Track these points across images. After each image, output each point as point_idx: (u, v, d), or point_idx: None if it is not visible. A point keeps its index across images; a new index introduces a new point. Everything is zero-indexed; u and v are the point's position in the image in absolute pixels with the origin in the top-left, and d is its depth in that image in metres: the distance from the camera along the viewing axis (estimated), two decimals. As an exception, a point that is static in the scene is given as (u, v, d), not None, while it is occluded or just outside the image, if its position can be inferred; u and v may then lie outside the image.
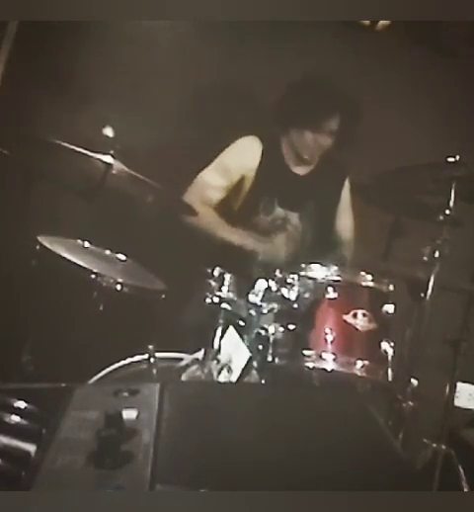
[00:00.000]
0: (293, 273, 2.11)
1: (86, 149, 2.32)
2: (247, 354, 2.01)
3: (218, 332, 2.12)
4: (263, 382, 2.02)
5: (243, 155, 2.94)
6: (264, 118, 3.11)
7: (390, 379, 2.09)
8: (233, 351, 2.06)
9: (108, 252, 2.68)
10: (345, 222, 3.10)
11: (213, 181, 2.92)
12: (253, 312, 2.12)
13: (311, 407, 1.15)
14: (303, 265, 2.12)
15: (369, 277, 2.13)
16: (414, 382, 2.31)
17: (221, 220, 2.87)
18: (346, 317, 2.05)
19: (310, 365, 2.03)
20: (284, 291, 2.08)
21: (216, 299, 2.15)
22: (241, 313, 2.15)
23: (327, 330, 2.04)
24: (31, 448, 0.99)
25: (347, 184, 3.10)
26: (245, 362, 2.00)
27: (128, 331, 2.40)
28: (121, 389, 1.14)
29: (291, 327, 2.06)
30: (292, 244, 2.93)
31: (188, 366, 2.16)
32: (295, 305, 2.07)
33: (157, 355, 2.16)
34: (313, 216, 2.98)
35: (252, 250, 2.76)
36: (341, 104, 2.86)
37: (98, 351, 2.27)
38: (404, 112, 3.43)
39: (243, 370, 1.99)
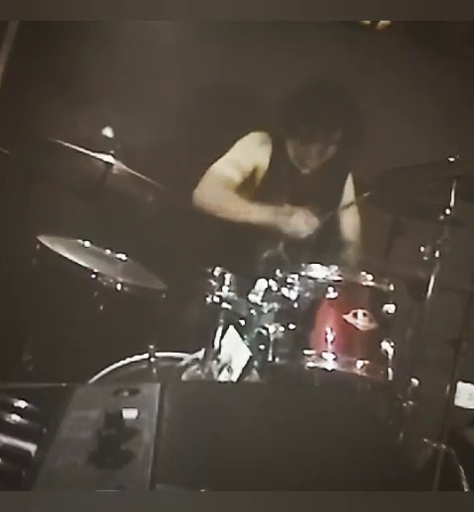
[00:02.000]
0: (294, 273, 2.11)
1: (86, 149, 2.33)
2: (247, 353, 2.02)
3: (219, 332, 2.12)
4: (263, 381, 2.02)
5: (255, 148, 2.94)
6: (264, 118, 3.10)
7: (390, 378, 2.09)
8: (233, 351, 2.06)
9: (108, 252, 2.69)
10: (348, 220, 3.09)
11: (228, 172, 2.89)
12: (253, 312, 2.12)
13: (311, 407, 1.15)
14: (303, 265, 2.12)
15: (370, 276, 2.13)
16: (414, 381, 2.31)
17: (243, 199, 2.79)
18: (346, 317, 2.05)
19: (310, 364, 2.02)
20: (285, 290, 2.08)
21: (217, 299, 2.15)
22: (241, 313, 2.15)
23: (327, 330, 2.04)
24: (31, 447, 0.99)
25: (349, 180, 3.09)
26: (245, 361, 2.00)
27: (129, 331, 2.40)
28: (122, 389, 1.14)
29: (292, 327, 2.06)
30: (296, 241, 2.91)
31: (188, 365, 2.16)
32: (296, 305, 2.07)
33: (157, 354, 2.16)
34: (317, 214, 2.97)
35: (276, 225, 2.69)
36: (346, 115, 2.84)
37: (98, 350, 2.27)
38: (404, 111, 3.43)
39: (243, 369, 2.00)
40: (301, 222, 2.68)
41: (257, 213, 2.73)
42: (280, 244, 2.81)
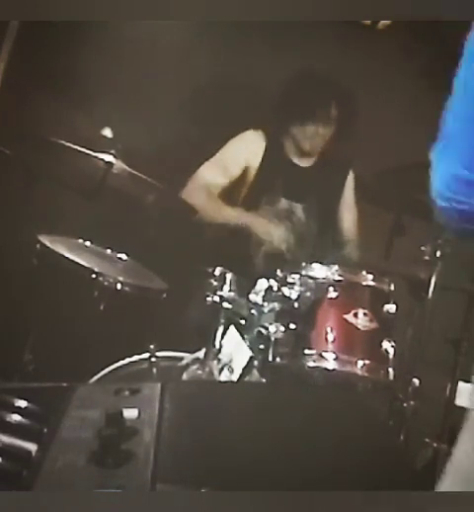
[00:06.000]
0: (294, 272, 2.11)
1: (87, 149, 2.33)
2: (248, 353, 2.01)
3: (219, 331, 2.12)
4: (264, 381, 2.02)
5: (245, 149, 2.95)
6: (264, 115, 3.10)
7: (391, 378, 2.09)
8: (234, 350, 2.06)
9: (109, 251, 2.68)
10: (348, 218, 3.09)
11: (213, 178, 2.92)
12: (254, 312, 2.12)
13: (312, 407, 1.14)
14: (304, 264, 2.12)
15: (370, 276, 2.13)
16: (415, 381, 2.31)
17: (224, 205, 2.87)
18: (347, 317, 2.05)
19: (311, 364, 2.02)
20: (285, 290, 2.08)
21: (217, 299, 2.15)
22: (242, 313, 2.15)
23: (328, 329, 2.04)
24: (32, 447, 0.98)
25: (351, 178, 3.09)
26: (246, 361, 2.00)
27: (129, 330, 2.40)
28: (122, 389, 1.14)
29: (292, 326, 2.05)
30: (297, 236, 2.91)
31: (188, 365, 2.16)
32: (296, 305, 2.07)
33: (158, 354, 2.16)
34: (317, 208, 2.97)
35: (257, 232, 2.77)
36: (337, 92, 2.89)
37: (99, 350, 2.27)
38: (405, 111, 3.42)
39: (244, 369, 1.99)
40: (278, 233, 2.75)
41: (236, 219, 2.82)
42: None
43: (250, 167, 2.93)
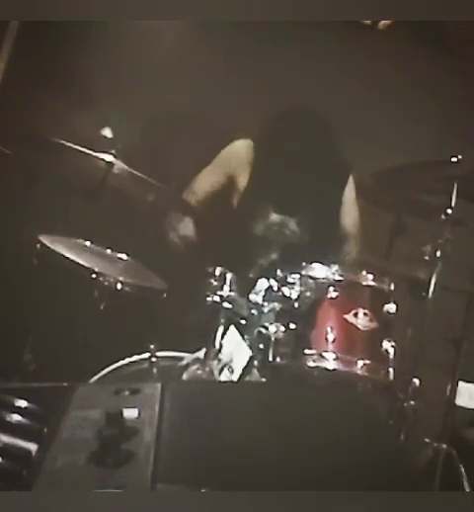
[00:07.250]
0: (294, 272, 2.11)
1: (87, 149, 2.33)
2: (248, 353, 2.02)
3: (219, 331, 2.12)
4: (264, 381, 2.02)
5: (234, 159, 2.94)
6: (262, 119, 3.10)
7: (391, 378, 2.09)
8: (234, 350, 2.06)
9: (109, 251, 2.68)
10: (349, 220, 3.07)
11: (201, 188, 2.94)
12: (254, 311, 2.12)
13: (312, 407, 1.14)
14: (304, 264, 2.12)
15: (370, 276, 2.13)
16: (415, 381, 2.31)
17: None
18: (347, 316, 2.05)
19: (311, 364, 2.03)
20: (285, 290, 2.08)
21: (217, 299, 2.15)
22: (242, 312, 2.15)
23: (328, 329, 2.04)
24: (32, 447, 0.98)
25: (350, 181, 3.06)
26: (246, 361, 2.00)
27: (129, 330, 2.40)
28: (123, 388, 1.14)
29: (292, 326, 2.06)
30: (290, 248, 2.89)
31: (189, 365, 2.16)
32: (296, 305, 2.07)
33: (158, 354, 2.16)
34: (313, 220, 2.93)
35: None
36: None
37: (99, 350, 2.27)
38: (405, 111, 3.43)
39: (244, 369, 2.00)
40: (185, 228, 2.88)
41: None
42: (274, 254, 2.82)
43: (238, 177, 2.92)
